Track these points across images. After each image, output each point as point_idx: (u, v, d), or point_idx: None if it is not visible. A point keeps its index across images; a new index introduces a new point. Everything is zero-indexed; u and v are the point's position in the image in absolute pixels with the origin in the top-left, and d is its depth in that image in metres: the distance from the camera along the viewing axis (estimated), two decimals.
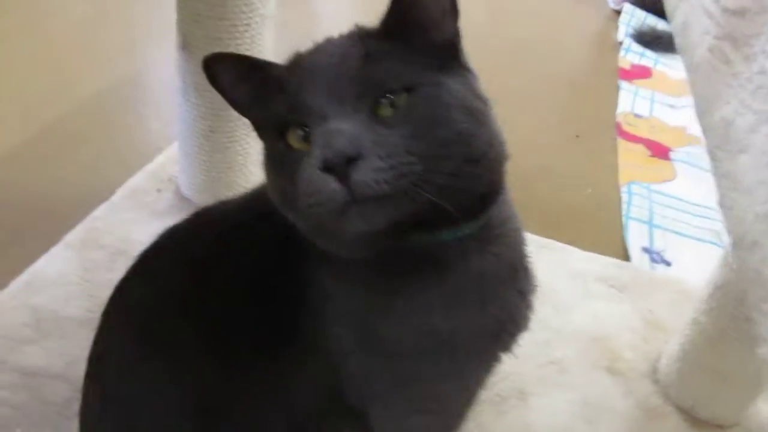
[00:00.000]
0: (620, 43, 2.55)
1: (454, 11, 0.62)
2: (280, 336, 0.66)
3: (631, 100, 2.18)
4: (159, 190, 1.38)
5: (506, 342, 0.71)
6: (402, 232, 0.60)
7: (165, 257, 0.72)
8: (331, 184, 0.52)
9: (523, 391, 1.10)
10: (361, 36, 0.61)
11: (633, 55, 2.47)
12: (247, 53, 1.16)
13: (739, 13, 0.46)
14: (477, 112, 0.60)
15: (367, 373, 0.67)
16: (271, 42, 1.22)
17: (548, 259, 1.39)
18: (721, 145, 0.41)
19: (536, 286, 0.72)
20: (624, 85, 2.26)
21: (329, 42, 0.62)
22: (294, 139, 0.58)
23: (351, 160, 0.52)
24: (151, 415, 0.67)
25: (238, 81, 0.63)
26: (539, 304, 1.25)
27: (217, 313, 0.66)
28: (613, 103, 2.15)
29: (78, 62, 1.88)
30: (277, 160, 0.60)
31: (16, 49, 1.89)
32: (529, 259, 0.72)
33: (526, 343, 1.19)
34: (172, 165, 1.43)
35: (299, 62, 0.62)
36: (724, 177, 0.40)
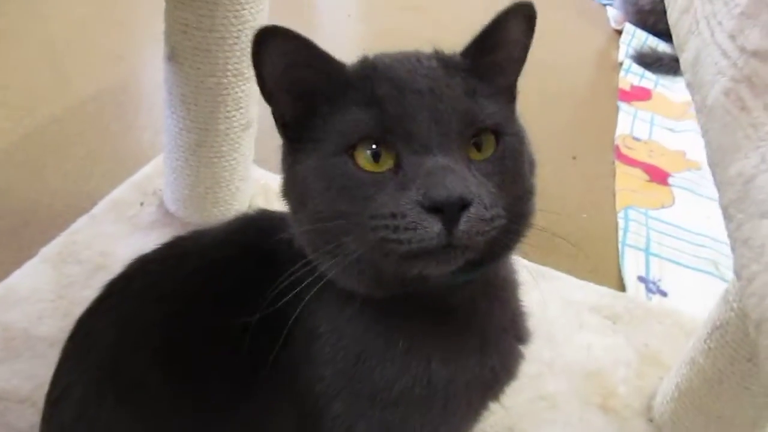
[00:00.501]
0: (620, 64, 2.53)
1: (524, 59, 0.63)
2: (258, 379, 0.61)
3: (630, 122, 2.15)
4: (142, 204, 1.34)
5: (497, 392, 0.68)
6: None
7: (133, 291, 0.67)
8: (436, 226, 0.50)
9: (512, 428, 1.06)
10: (452, 65, 0.58)
11: (633, 76, 2.44)
12: (237, 66, 1.13)
13: (760, 55, 0.42)
14: (533, 162, 0.61)
15: (352, 418, 0.63)
16: None
17: (542, 288, 1.34)
18: (738, 204, 0.37)
19: (531, 334, 0.69)
20: (623, 106, 2.23)
21: (415, 60, 0.58)
22: (363, 157, 0.53)
23: (463, 206, 0.50)
24: None
25: (291, 66, 0.56)
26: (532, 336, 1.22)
27: (188, 355, 0.62)
28: (612, 125, 2.12)
29: (71, 66, 1.84)
30: (338, 175, 0.54)
31: (10, 52, 1.85)
32: (525, 306, 0.70)
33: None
34: (158, 177, 1.38)
35: (378, 70, 0.56)
36: (742, 244, 0.36)
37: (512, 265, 0.69)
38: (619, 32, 2.78)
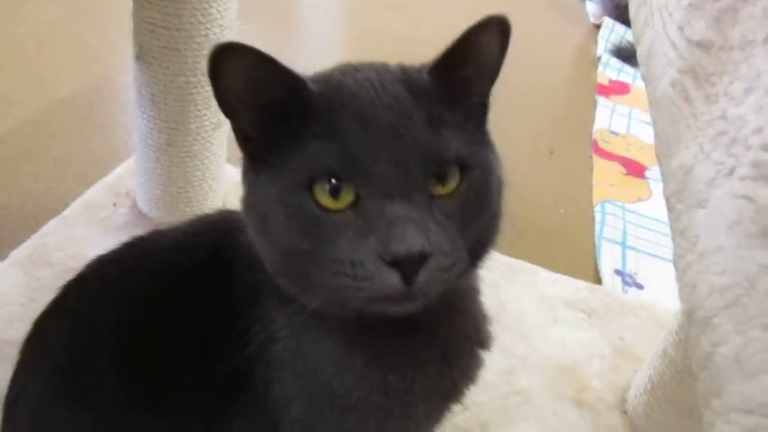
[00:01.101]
0: (599, 58, 2.54)
1: (497, 74, 0.60)
2: (215, 383, 0.61)
3: (608, 116, 2.16)
4: (115, 205, 1.33)
5: (456, 397, 0.68)
6: None
7: (89, 292, 0.67)
8: (393, 279, 0.49)
9: (485, 424, 1.06)
10: (413, 88, 0.54)
11: (611, 70, 2.45)
12: (206, 62, 1.12)
13: (704, 45, 0.42)
14: (502, 187, 0.59)
15: (310, 421, 0.63)
16: None
17: (518, 282, 1.35)
18: (678, 194, 0.37)
19: (493, 338, 0.69)
20: (601, 100, 2.24)
21: (378, 82, 0.54)
22: (322, 191, 0.51)
23: (422, 259, 0.49)
24: None
25: (249, 83, 0.53)
26: (506, 331, 1.22)
27: (144, 358, 0.61)
28: (590, 119, 2.13)
29: (42, 68, 1.81)
30: (297, 213, 0.52)
31: None
32: (486, 310, 0.70)
33: (488, 372, 1.15)
34: (130, 178, 1.37)
35: (341, 96, 0.53)
36: (680, 234, 0.36)
37: (475, 275, 0.68)
38: (598, 27, 2.79)
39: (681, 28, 0.47)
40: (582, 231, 1.62)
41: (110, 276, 0.67)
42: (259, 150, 0.56)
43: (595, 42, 2.68)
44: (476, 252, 0.57)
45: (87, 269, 0.68)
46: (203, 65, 1.13)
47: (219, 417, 0.62)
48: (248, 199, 0.57)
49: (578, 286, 1.37)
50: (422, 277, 0.49)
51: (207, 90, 1.14)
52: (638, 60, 0.61)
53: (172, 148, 1.19)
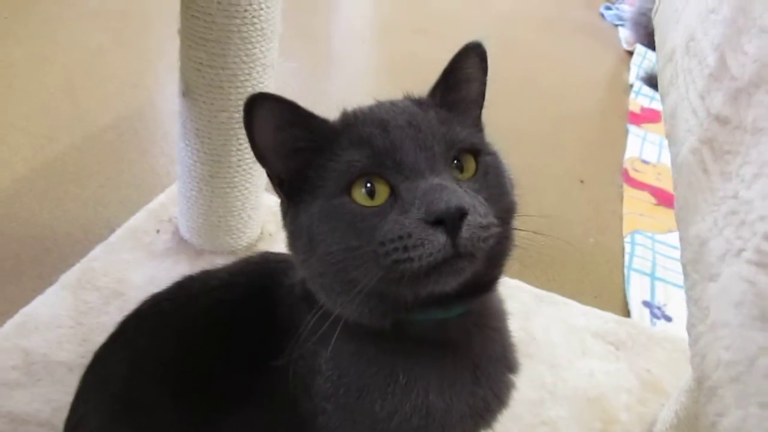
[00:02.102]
0: (631, 86, 2.55)
1: (484, 92, 0.68)
2: (261, 412, 0.65)
3: (639, 144, 2.17)
4: (158, 231, 1.38)
5: (488, 420, 0.71)
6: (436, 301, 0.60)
7: (146, 327, 0.72)
8: (441, 237, 0.53)
9: None
10: (423, 103, 0.64)
11: (643, 98, 2.46)
12: None
13: (721, 120, 0.45)
14: (513, 186, 0.65)
15: None
16: (273, 89, 1.23)
17: (547, 313, 1.37)
18: (694, 264, 0.40)
19: (520, 364, 0.72)
20: (633, 129, 2.25)
21: (389, 104, 0.64)
22: (360, 195, 0.57)
23: (462, 216, 0.53)
24: None
25: (280, 127, 0.60)
26: (535, 361, 1.24)
27: (196, 388, 0.66)
28: (621, 148, 2.14)
29: (89, 94, 1.89)
30: (342, 215, 0.57)
31: (30, 80, 1.91)
32: (513, 337, 0.73)
33: (517, 402, 1.18)
34: (172, 205, 1.43)
35: (360, 118, 0.61)
36: (693, 303, 0.39)
37: (499, 296, 0.72)
38: (631, 53, 2.81)
39: (702, 97, 0.50)
40: (611, 261, 1.64)
41: (165, 312, 0.72)
42: (293, 189, 0.62)
43: (628, 69, 2.69)
44: (505, 225, 0.61)
45: (144, 305, 0.73)
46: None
47: None
48: (292, 234, 0.62)
49: (606, 318, 1.39)
50: (465, 232, 0.54)
51: None
52: (663, 118, 0.64)
53: (214, 179, 1.24)
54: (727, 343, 0.33)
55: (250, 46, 1.12)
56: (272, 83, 1.22)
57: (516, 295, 1.38)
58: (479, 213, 0.55)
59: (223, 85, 1.14)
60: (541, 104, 2.37)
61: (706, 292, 0.37)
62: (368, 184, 0.57)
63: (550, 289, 1.45)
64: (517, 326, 1.31)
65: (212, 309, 0.70)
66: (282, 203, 0.64)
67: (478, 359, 0.67)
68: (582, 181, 1.96)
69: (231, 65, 1.12)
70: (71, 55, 2.06)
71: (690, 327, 0.40)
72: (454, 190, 0.54)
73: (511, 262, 1.61)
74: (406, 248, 0.53)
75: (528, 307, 1.37)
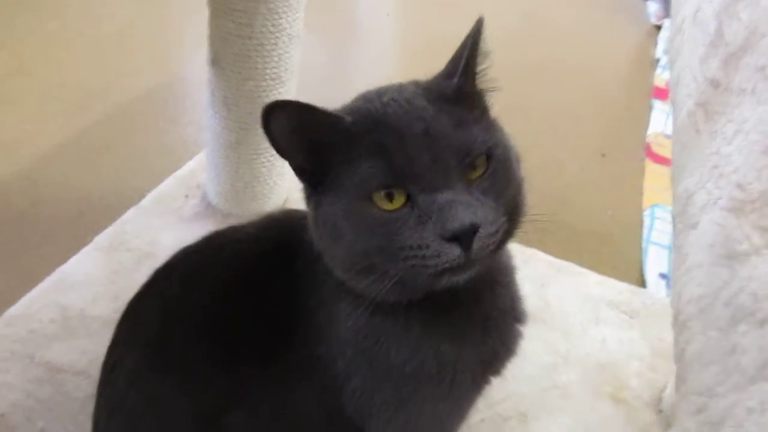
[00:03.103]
0: (657, 60, 2.53)
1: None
2: (286, 355, 0.70)
3: (663, 120, 2.16)
4: (187, 197, 1.44)
5: (498, 368, 0.76)
6: None
7: (176, 277, 0.77)
8: (455, 251, 0.58)
9: (524, 414, 1.12)
10: (435, 97, 0.64)
11: (669, 73, 2.45)
12: (275, 70, 1.21)
13: (714, 84, 0.48)
14: (518, 156, 0.68)
15: (369, 391, 0.71)
16: (298, 60, 1.26)
17: (563, 282, 1.40)
18: (680, 216, 0.43)
19: (528, 315, 0.76)
20: (657, 104, 2.24)
21: (405, 100, 0.63)
22: (380, 199, 0.61)
23: (474, 231, 0.58)
24: (155, 423, 0.72)
25: (297, 130, 0.62)
26: (549, 328, 1.28)
27: (225, 332, 0.71)
28: (645, 122, 2.14)
29: (120, 66, 1.95)
30: (365, 219, 0.61)
31: (65, 51, 1.97)
32: (520, 289, 0.77)
33: (531, 366, 1.22)
34: (201, 171, 1.48)
35: (377, 121, 0.62)
36: (677, 250, 0.42)
37: (508, 252, 0.76)
38: (658, 28, 2.77)
39: (701, 63, 0.53)
40: (630, 234, 1.66)
41: (193, 263, 0.77)
42: (315, 179, 0.65)
43: (655, 43, 2.66)
44: (513, 215, 0.65)
45: (173, 258, 0.78)
46: (272, 71, 1.24)
47: (287, 385, 0.71)
48: (317, 218, 0.66)
49: (622, 288, 1.41)
50: (476, 244, 0.59)
51: (275, 94, 1.24)
52: (670, 86, 0.66)
53: (241, 146, 1.29)
54: (699, 281, 0.36)
55: (276, 17, 1.15)
56: (298, 53, 1.25)
57: (533, 264, 1.41)
58: (489, 221, 0.60)
59: (251, 55, 1.18)
60: (566, 79, 2.37)
61: (687, 239, 0.41)
62: (386, 191, 0.61)
63: (567, 259, 1.48)
64: (532, 293, 1.35)
65: (237, 260, 0.75)
66: (305, 188, 0.68)
67: (488, 312, 0.71)
68: (604, 155, 1.97)
69: (258, 35, 1.16)
70: (103, 28, 2.11)
71: (672, 271, 0.44)
72: (468, 205, 0.59)
73: (530, 232, 1.63)
74: (424, 257, 0.59)
75: (544, 276, 1.40)
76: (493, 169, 0.63)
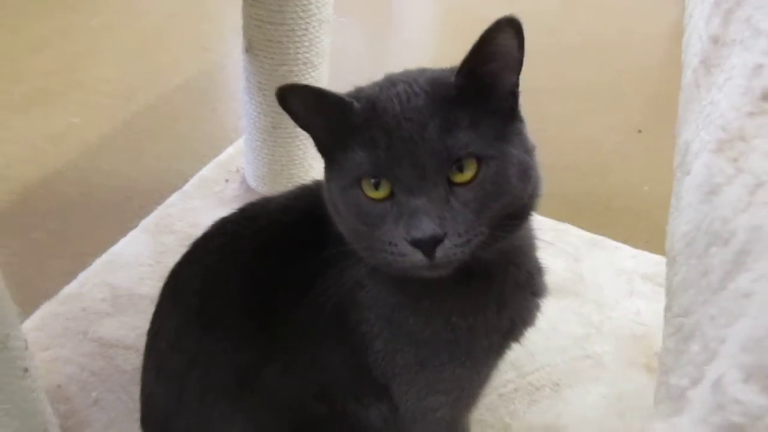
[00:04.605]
0: None
1: (520, 65, 0.67)
2: (317, 317, 0.74)
3: None
4: (227, 180, 1.49)
5: (516, 336, 0.78)
6: None
7: (214, 246, 0.82)
8: (418, 255, 0.62)
9: (557, 383, 1.14)
10: (436, 96, 0.64)
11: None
12: (306, 55, 1.25)
13: (714, 40, 0.49)
14: (528, 171, 0.66)
15: (392, 353, 0.75)
16: (329, 44, 1.30)
17: (597, 256, 1.41)
18: (680, 166, 0.45)
19: (548, 287, 0.78)
20: None
21: (405, 96, 0.65)
22: (368, 186, 0.64)
23: (437, 241, 0.61)
24: (197, 381, 0.77)
25: (308, 110, 0.67)
26: (582, 300, 1.29)
27: (260, 295, 0.76)
28: None
29: (162, 58, 2.02)
30: (353, 204, 0.66)
31: (110, 46, 2.05)
32: (542, 262, 0.79)
33: (563, 337, 1.24)
34: (240, 156, 1.53)
35: (375, 112, 0.64)
36: (675, 196, 0.44)
37: (529, 232, 0.77)
38: None
39: (706, 23, 0.55)
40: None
41: (229, 232, 0.82)
42: (329, 152, 0.69)
43: None
44: (503, 226, 0.65)
45: (211, 228, 0.83)
46: (304, 56, 1.28)
47: (317, 347, 0.75)
48: (326, 189, 0.71)
49: (656, 261, 1.41)
50: (439, 253, 0.61)
51: (307, 78, 1.28)
52: (682, 48, 0.68)
53: (277, 130, 1.33)
54: (687, 219, 0.38)
55: (306, 3, 1.19)
56: (328, 38, 1.29)
57: (566, 239, 1.43)
58: (459, 233, 0.61)
59: (282, 40, 1.22)
60: (604, 55, 2.35)
61: (682, 185, 0.43)
62: (374, 180, 0.64)
63: (603, 234, 1.48)
64: (565, 267, 1.37)
65: (270, 228, 0.79)
66: (324, 159, 0.72)
67: (500, 288, 0.74)
68: (640, 131, 1.96)
69: (289, 21, 1.20)
70: (144, 22, 2.19)
71: (670, 215, 0.46)
72: (437, 215, 0.60)
73: (565, 206, 1.63)
74: (393, 253, 0.63)
75: (578, 250, 1.41)
76: (482, 178, 0.62)
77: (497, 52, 0.64)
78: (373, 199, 0.64)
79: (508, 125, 0.67)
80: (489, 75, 0.65)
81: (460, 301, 0.72)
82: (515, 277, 0.75)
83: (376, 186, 0.64)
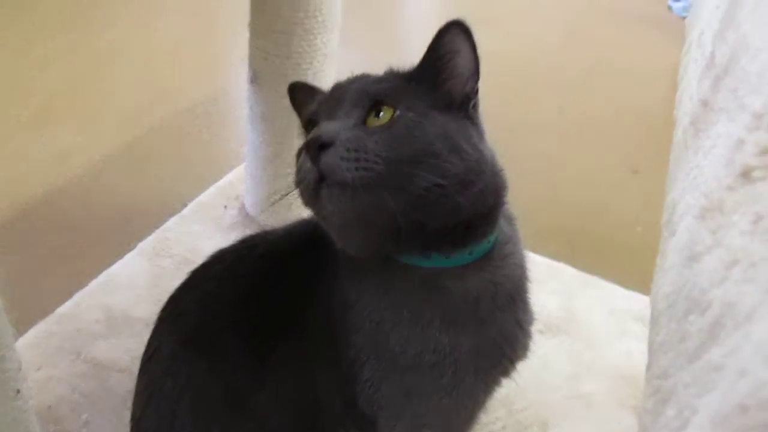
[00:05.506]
0: None
1: (477, 74, 0.72)
2: (308, 344, 0.76)
3: None
4: (226, 207, 1.51)
5: (505, 367, 0.78)
6: (395, 241, 0.68)
7: (212, 273, 0.84)
8: (306, 162, 0.64)
9: (545, 422, 1.15)
10: (388, 72, 0.74)
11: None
12: None
13: (703, 103, 0.51)
14: (458, 147, 0.67)
15: (378, 381, 0.75)
16: (333, 77, 1.32)
17: (589, 295, 1.42)
18: (666, 224, 0.46)
19: (534, 318, 0.79)
20: None
21: (361, 75, 0.75)
22: (304, 136, 0.72)
23: (323, 146, 0.63)
24: (189, 406, 0.78)
25: (306, 101, 0.77)
26: (574, 339, 1.30)
27: (254, 322, 0.77)
28: None
29: (167, 81, 2.05)
30: (298, 151, 0.71)
31: (118, 65, 2.08)
32: (529, 294, 0.80)
33: (554, 375, 1.25)
34: (239, 183, 1.55)
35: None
36: (660, 254, 0.46)
37: (512, 254, 0.77)
38: None
39: (698, 84, 0.57)
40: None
41: (228, 261, 0.84)
42: None
43: None
44: (409, 176, 0.64)
45: (210, 258, 0.85)
46: None
47: (311, 373, 0.76)
48: None
49: (648, 302, 1.42)
50: (323, 158, 0.63)
51: None
52: (676, 102, 0.70)
53: (278, 159, 1.35)
54: (670, 281, 0.39)
55: (312, 37, 1.21)
56: (332, 71, 1.31)
57: (560, 278, 1.44)
58: (347, 147, 0.62)
59: (287, 73, 1.24)
60: (603, 94, 2.39)
61: (668, 245, 0.44)
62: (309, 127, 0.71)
63: (596, 273, 1.49)
64: (557, 305, 1.38)
65: (268, 256, 0.81)
66: None
67: (476, 303, 0.73)
68: (636, 172, 1.98)
69: (294, 55, 1.22)
70: (153, 45, 2.22)
71: (655, 273, 0.47)
72: (329, 129, 0.64)
73: (560, 242, 1.64)
74: (296, 174, 0.67)
75: (571, 289, 1.42)
76: (393, 122, 0.66)
77: (446, 51, 0.70)
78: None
79: (453, 113, 0.70)
80: (439, 71, 0.70)
81: (440, 314, 0.72)
82: (492, 297, 0.74)
83: (307, 131, 0.72)
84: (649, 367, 0.41)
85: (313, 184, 0.64)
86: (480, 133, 0.73)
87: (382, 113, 0.67)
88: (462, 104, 0.71)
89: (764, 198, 0.29)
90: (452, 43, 0.70)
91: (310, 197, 0.66)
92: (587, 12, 3.03)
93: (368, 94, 0.68)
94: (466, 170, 0.67)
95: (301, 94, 0.82)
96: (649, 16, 3.10)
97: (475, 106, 0.73)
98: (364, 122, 0.67)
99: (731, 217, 0.31)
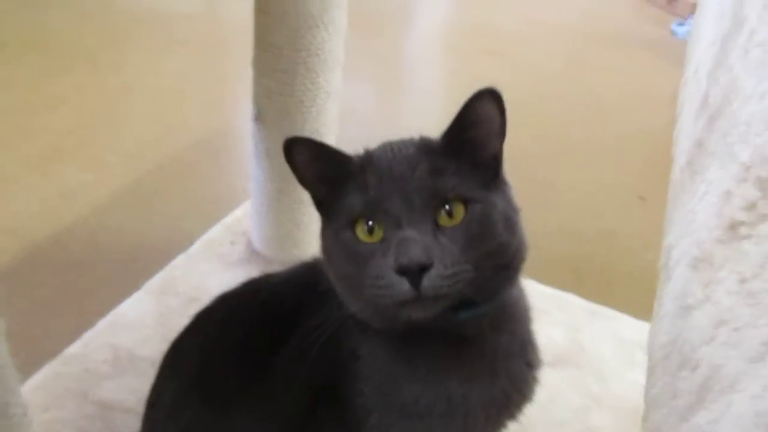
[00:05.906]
0: None
1: (502, 133, 0.72)
2: (312, 390, 0.75)
3: None
4: (233, 243, 1.51)
5: (512, 411, 0.78)
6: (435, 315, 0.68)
7: (215, 318, 0.84)
8: (405, 285, 0.63)
9: None
10: (425, 149, 0.70)
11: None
12: (313, 124, 1.29)
13: (698, 144, 0.51)
14: (513, 225, 0.70)
15: (385, 428, 0.75)
16: (336, 115, 1.34)
17: (598, 326, 1.41)
18: (663, 268, 0.46)
19: (542, 360, 0.79)
20: None
21: (398, 148, 0.71)
22: (361, 231, 0.67)
23: (423, 269, 0.62)
24: None
25: (311, 161, 0.72)
26: (583, 371, 1.29)
27: (257, 367, 0.77)
28: None
29: (173, 118, 2.07)
30: (344, 246, 0.68)
31: (122, 105, 2.11)
32: (535, 335, 0.80)
33: (562, 410, 1.23)
34: (246, 219, 1.56)
35: (371, 162, 0.70)
36: (657, 299, 0.46)
37: (520, 298, 0.79)
38: None
39: (694, 122, 0.57)
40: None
41: (231, 306, 0.84)
42: (324, 209, 0.74)
43: None
44: (484, 268, 0.67)
45: (213, 302, 0.85)
46: (311, 126, 1.32)
47: (311, 421, 0.76)
48: (321, 245, 0.75)
49: None
50: (426, 282, 0.62)
51: None
52: (673, 138, 0.69)
53: (283, 196, 1.36)
54: (665, 330, 0.39)
55: (314, 76, 1.23)
56: (335, 109, 1.32)
57: (567, 309, 1.43)
58: (444, 264, 0.63)
59: (291, 111, 1.26)
60: (608, 121, 2.40)
61: (664, 290, 0.44)
62: (369, 223, 0.67)
63: (604, 303, 1.48)
64: (565, 337, 1.37)
65: (271, 301, 0.81)
66: (321, 220, 0.76)
67: (493, 355, 0.74)
68: (643, 199, 1.98)
69: (297, 93, 1.24)
70: (161, 82, 2.25)
71: (653, 318, 0.47)
72: (423, 245, 0.63)
73: (567, 272, 1.64)
74: (380, 287, 0.64)
75: (579, 320, 1.42)
76: (469, 220, 0.66)
77: (478, 120, 0.69)
78: (365, 242, 0.67)
79: (492, 180, 0.71)
80: (471, 139, 0.70)
81: (456, 366, 0.73)
82: (509, 345, 0.75)
83: (370, 231, 0.66)
84: (644, 418, 0.40)
85: (406, 301, 0.64)
86: (510, 190, 0.74)
87: (450, 209, 0.66)
88: (494, 167, 0.72)
89: (750, 258, 0.29)
90: (485, 112, 0.69)
91: (394, 309, 0.66)
92: (591, 38, 3.05)
93: (435, 193, 0.66)
94: (518, 244, 0.71)
95: (303, 150, 0.72)
96: (653, 42, 3.12)
97: (502, 164, 0.74)
98: (436, 223, 0.66)
99: (720, 272, 0.31)
